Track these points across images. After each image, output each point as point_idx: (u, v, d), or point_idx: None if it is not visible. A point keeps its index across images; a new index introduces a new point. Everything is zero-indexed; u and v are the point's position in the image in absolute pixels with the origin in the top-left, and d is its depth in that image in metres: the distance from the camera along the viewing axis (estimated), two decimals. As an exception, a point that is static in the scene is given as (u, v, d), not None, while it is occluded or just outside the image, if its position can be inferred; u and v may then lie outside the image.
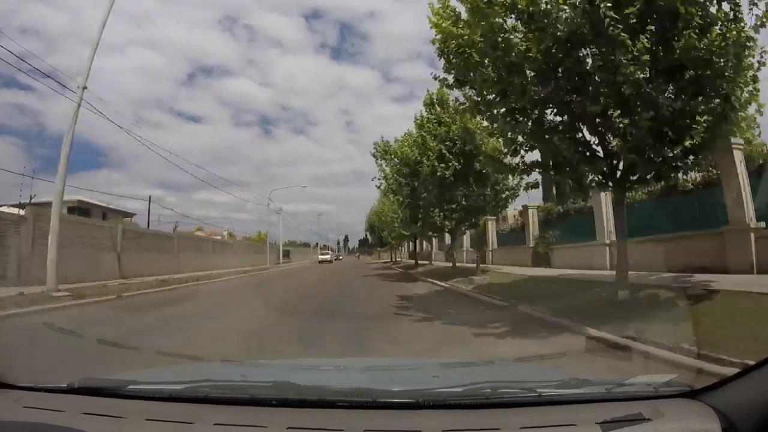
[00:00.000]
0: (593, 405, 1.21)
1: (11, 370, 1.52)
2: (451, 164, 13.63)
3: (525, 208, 18.42)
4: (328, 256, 53.51)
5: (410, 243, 35.80)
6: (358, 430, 1.08)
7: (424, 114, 15.39)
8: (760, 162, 8.65)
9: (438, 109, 14.86)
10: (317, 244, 79.51)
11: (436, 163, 13.73)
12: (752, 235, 7.94)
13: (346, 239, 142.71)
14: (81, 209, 26.20)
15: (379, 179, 18.90)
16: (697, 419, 1.12)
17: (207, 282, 17.74)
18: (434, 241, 30.97)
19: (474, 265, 15.53)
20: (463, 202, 14.20)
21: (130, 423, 1.15)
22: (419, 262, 28.61)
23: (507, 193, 14.25)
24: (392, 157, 17.34)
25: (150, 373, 1.82)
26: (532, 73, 5.81)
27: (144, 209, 34.53)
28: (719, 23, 5.10)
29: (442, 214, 14.48)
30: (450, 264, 18.78)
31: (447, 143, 13.98)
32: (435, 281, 14.97)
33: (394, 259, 38.94)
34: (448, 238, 23.40)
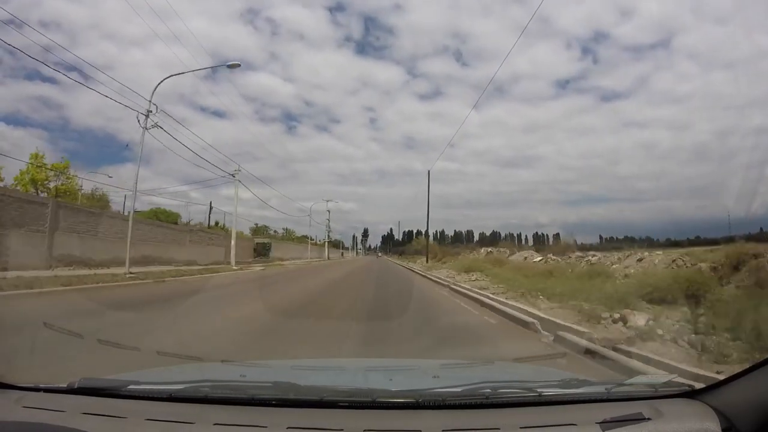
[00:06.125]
0: (593, 405, 1.21)
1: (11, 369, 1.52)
2: None
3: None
4: None
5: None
6: (358, 430, 1.08)
7: None
8: None
9: None
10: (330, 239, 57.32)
11: None
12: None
13: (365, 234, 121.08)
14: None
15: None
16: (697, 419, 1.12)
17: None
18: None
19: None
20: None
21: (130, 423, 1.15)
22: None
23: None
24: None
25: (150, 373, 1.81)
26: None
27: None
28: None
29: None
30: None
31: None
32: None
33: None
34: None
